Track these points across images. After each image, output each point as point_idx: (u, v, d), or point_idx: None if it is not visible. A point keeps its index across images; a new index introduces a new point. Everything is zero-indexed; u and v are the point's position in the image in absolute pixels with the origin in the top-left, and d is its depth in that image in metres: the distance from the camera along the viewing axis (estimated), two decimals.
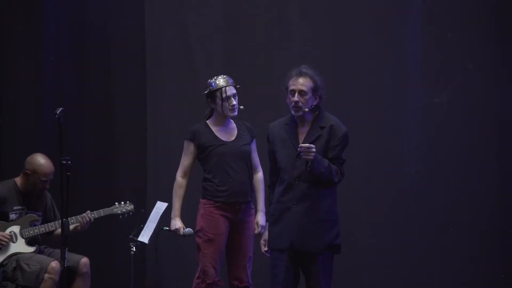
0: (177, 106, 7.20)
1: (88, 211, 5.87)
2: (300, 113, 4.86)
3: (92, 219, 5.88)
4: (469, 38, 6.86)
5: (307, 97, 4.84)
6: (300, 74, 4.88)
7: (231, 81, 5.60)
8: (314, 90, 4.87)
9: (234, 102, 5.54)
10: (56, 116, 5.03)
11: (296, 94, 4.84)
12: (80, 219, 5.82)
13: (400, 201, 6.88)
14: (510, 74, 6.80)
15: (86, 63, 7.37)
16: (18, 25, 7.30)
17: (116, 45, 7.34)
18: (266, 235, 5.10)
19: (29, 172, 5.89)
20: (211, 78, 5.61)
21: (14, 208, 5.90)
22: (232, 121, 5.67)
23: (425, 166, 6.89)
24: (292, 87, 4.86)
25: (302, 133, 4.91)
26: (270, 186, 5.09)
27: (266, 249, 5.08)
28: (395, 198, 6.89)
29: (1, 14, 7.31)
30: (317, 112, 4.92)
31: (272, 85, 6.80)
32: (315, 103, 4.89)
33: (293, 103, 4.85)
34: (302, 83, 4.85)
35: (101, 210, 5.97)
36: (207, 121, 5.66)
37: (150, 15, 7.22)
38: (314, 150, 4.70)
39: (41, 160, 5.90)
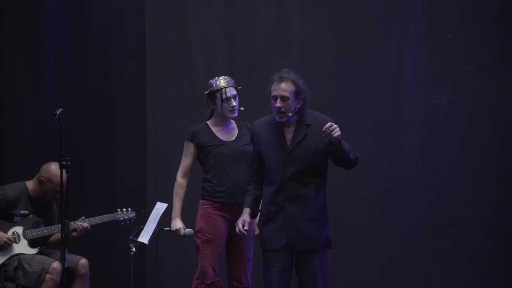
0: (177, 106, 7.19)
1: (83, 217, 5.87)
2: (284, 119, 4.85)
3: (89, 227, 5.89)
4: (469, 38, 6.85)
5: (289, 101, 4.83)
6: (281, 79, 4.86)
7: (232, 82, 5.59)
8: (296, 93, 4.85)
9: (234, 104, 5.54)
10: (56, 116, 5.02)
11: (278, 100, 4.83)
12: (78, 227, 5.82)
13: (400, 201, 6.88)
14: (510, 74, 6.80)
15: (86, 63, 7.37)
16: (18, 25, 7.29)
17: (116, 45, 7.33)
18: (245, 216, 4.96)
19: (44, 180, 5.89)
20: (212, 78, 5.61)
21: (21, 212, 5.90)
22: (232, 121, 5.66)
23: (425, 166, 6.89)
24: (274, 93, 4.85)
25: (289, 132, 4.90)
26: (252, 181, 5.04)
27: (246, 228, 4.93)
28: (395, 198, 6.89)
29: (1, 14, 7.31)
30: (301, 112, 4.91)
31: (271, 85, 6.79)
32: (298, 106, 4.87)
33: (276, 109, 4.85)
34: (283, 88, 4.83)
35: (103, 216, 5.99)
36: (207, 122, 5.65)
37: (150, 15, 7.22)
38: (337, 126, 4.67)
39: (57, 170, 5.88)
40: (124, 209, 6.09)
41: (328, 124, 4.66)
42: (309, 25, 7.05)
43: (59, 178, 5.80)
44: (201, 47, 7.16)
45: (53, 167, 5.90)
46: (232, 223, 5.51)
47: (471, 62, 6.83)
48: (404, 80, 6.94)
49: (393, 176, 6.88)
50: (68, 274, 5.71)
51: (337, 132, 4.65)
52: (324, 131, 4.66)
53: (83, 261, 5.85)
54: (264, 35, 7.10)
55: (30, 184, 5.95)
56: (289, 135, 4.88)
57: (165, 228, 5.76)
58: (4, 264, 5.83)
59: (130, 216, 6.09)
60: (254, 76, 6.97)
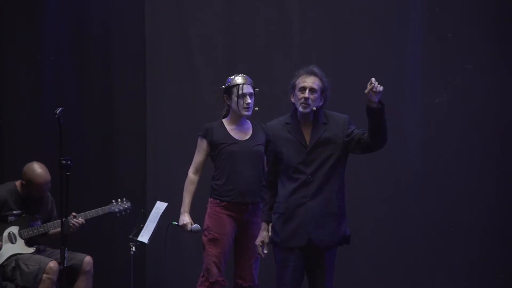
0: (177, 106, 7.19)
1: (74, 214, 5.87)
2: (308, 110, 4.89)
3: (84, 222, 5.90)
4: (469, 38, 6.85)
5: (316, 95, 4.91)
6: (311, 73, 4.94)
7: (250, 80, 5.63)
8: (322, 90, 4.94)
9: (249, 101, 5.56)
10: (56, 116, 5.03)
11: (307, 91, 4.88)
12: (73, 224, 5.83)
13: (400, 201, 6.88)
14: (510, 74, 6.80)
15: (86, 63, 7.37)
16: (18, 25, 7.30)
17: (116, 45, 7.34)
18: (264, 236, 5.04)
19: (25, 183, 5.90)
20: (231, 75, 5.65)
21: (14, 212, 5.91)
22: (248, 121, 5.68)
23: (425, 166, 6.89)
24: (303, 84, 4.90)
25: (306, 131, 4.94)
26: (267, 186, 5.08)
27: (265, 251, 5.04)
28: (395, 198, 6.88)
29: (1, 14, 7.31)
30: (317, 111, 4.96)
31: (272, 85, 6.80)
32: (320, 103, 4.95)
33: (302, 100, 4.88)
34: (313, 81, 4.91)
35: (99, 209, 6.02)
36: (223, 120, 5.67)
37: (150, 15, 7.22)
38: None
39: (36, 170, 5.89)
40: (119, 200, 6.10)
41: (372, 79, 4.66)
42: (309, 25, 7.06)
43: (39, 178, 5.84)
44: (201, 47, 7.17)
45: (32, 168, 5.91)
46: (240, 222, 5.52)
47: (471, 62, 6.83)
48: (404, 80, 6.94)
49: (393, 176, 6.88)
50: (73, 271, 5.79)
51: (381, 87, 4.65)
52: (370, 88, 4.63)
53: (88, 258, 5.89)
54: (264, 35, 7.11)
55: (18, 184, 5.97)
56: (307, 134, 4.93)
57: (174, 223, 5.76)
58: (2, 265, 5.84)
59: (126, 206, 6.11)
60: (254, 76, 6.97)
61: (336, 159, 4.89)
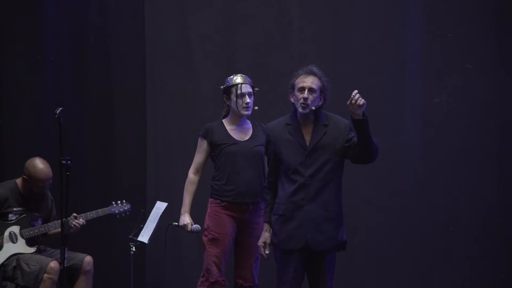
0: (177, 106, 7.20)
1: (75, 214, 5.88)
2: (307, 110, 4.89)
3: (85, 223, 5.91)
4: (469, 38, 6.86)
5: (315, 95, 4.91)
6: (310, 73, 4.94)
7: (248, 80, 5.63)
8: (321, 90, 4.94)
9: (248, 100, 5.56)
10: (56, 116, 5.04)
11: (306, 91, 4.88)
12: (74, 225, 5.85)
13: (400, 201, 6.88)
14: (510, 74, 6.80)
15: (86, 63, 7.38)
16: (18, 25, 7.30)
17: (116, 45, 7.34)
18: (266, 237, 5.08)
19: (26, 178, 5.91)
20: (231, 75, 5.66)
21: (14, 209, 5.92)
22: (248, 121, 5.68)
23: (425, 166, 6.89)
24: (302, 84, 4.91)
25: (306, 132, 4.94)
26: (268, 187, 5.09)
27: (267, 252, 5.05)
28: (395, 198, 6.88)
29: (1, 14, 7.32)
30: (317, 112, 4.96)
31: (272, 85, 6.80)
32: (320, 103, 4.95)
33: (301, 100, 4.88)
34: (312, 81, 4.91)
35: (99, 210, 6.04)
36: (223, 120, 5.67)
37: (150, 15, 7.22)
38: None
39: (38, 165, 5.90)
40: (119, 202, 6.13)
41: (354, 91, 4.69)
42: (309, 24, 7.06)
43: (39, 174, 5.86)
44: (201, 47, 7.17)
45: (33, 163, 5.93)
46: (240, 222, 5.52)
47: (471, 62, 6.83)
48: (404, 80, 6.94)
49: (393, 175, 6.88)
50: (73, 271, 5.82)
51: (362, 100, 4.68)
52: (350, 101, 4.68)
53: (88, 258, 5.92)
54: (264, 35, 7.11)
55: (19, 181, 5.98)
56: (307, 135, 4.93)
57: (174, 223, 5.76)
58: (3, 264, 5.84)
59: (125, 208, 6.14)
60: (254, 76, 6.97)
61: (335, 163, 4.89)
